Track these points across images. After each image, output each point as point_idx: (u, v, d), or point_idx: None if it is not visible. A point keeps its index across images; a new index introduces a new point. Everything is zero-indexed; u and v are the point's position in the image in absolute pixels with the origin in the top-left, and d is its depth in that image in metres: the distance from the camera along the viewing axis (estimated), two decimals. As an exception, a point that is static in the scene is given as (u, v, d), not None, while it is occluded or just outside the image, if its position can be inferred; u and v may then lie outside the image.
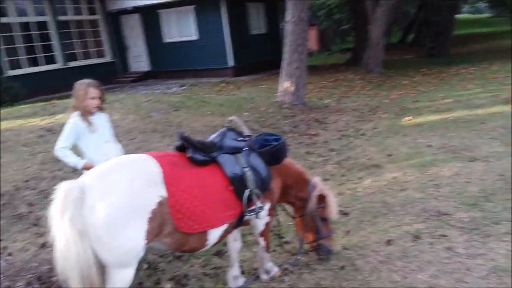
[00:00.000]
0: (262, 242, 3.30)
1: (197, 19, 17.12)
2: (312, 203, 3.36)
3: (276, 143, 3.09)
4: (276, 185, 3.18)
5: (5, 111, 8.81)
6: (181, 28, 17.67)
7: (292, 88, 10.09)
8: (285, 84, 10.17)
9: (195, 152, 2.76)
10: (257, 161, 2.97)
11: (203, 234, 2.71)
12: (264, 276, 3.45)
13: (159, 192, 2.47)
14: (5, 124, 7.53)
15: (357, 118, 8.93)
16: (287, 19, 10.01)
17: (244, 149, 2.97)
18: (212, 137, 3.04)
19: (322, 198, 3.39)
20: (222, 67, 17.16)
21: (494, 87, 10.12)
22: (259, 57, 18.32)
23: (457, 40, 23.34)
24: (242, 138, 3.04)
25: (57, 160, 5.93)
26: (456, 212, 4.12)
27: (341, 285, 3.23)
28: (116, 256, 2.38)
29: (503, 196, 4.32)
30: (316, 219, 3.41)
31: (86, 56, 17.84)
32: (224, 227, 2.82)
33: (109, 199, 2.32)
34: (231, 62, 17.11)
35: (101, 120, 3.58)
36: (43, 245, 3.87)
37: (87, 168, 3.28)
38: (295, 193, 3.41)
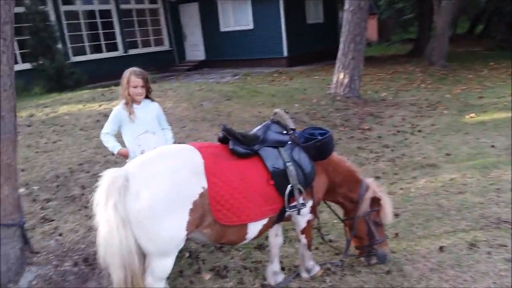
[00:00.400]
0: (303, 239, 3.18)
1: (254, 8, 17.05)
2: (365, 205, 3.15)
3: (321, 137, 2.94)
4: (321, 182, 3.03)
5: (67, 95, 9.30)
6: (238, 17, 17.71)
7: (347, 80, 9.76)
8: (340, 75, 9.86)
9: (237, 144, 2.71)
10: (301, 156, 2.86)
11: (242, 227, 2.68)
12: (304, 275, 3.33)
13: (201, 183, 2.47)
14: (66, 108, 7.94)
15: (415, 114, 8.47)
16: (346, 7, 9.67)
17: (287, 143, 2.88)
18: (256, 129, 2.97)
19: (376, 201, 3.17)
20: (277, 57, 17.02)
21: None
22: (315, 47, 17.98)
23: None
24: (286, 132, 2.94)
25: (111, 145, 6.19)
26: (521, 221, 3.77)
27: (385, 291, 3.05)
28: (157, 244, 2.43)
29: None
30: (369, 223, 3.19)
31: (146, 44, 18.42)
32: (263, 221, 2.77)
33: (152, 188, 2.35)
34: (285, 52, 16.92)
35: (147, 109, 3.56)
36: (91, 228, 4.01)
37: (121, 154, 3.53)
38: (344, 192, 3.21)
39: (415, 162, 5.62)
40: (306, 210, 2.96)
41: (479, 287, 2.97)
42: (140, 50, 18.01)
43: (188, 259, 3.67)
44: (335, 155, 3.17)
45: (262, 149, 2.78)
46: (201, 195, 2.46)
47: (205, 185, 2.48)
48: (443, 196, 4.49)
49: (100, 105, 8.02)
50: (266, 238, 3.90)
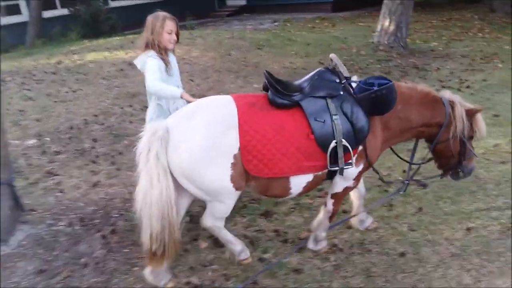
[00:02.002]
0: (330, 205, 2.85)
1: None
2: (460, 123, 2.69)
3: (377, 88, 2.49)
4: (377, 141, 2.64)
5: (98, 42, 9.15)
6: (280, -42, 16.57)
7: (393, 27, 8.87)
8: (385, 22, 8.97)
9: (276, 94, 2.48)
10: (353, 109, 2.51)
11: (285, 181, 2.53)
12: (310, 245, 3.03)
13: (238, 136, 2.38)
14: (93, 56, 7.80)
15: (466, 67, 7.58)
16: None
17: (339, 93, 2.54)
18: (305, 77, 2.64)
19: (469, 114, 2.73)
20: (321, 2, 15.92)
21: None
22: (363, -9, 16.62)
23: None
24: (339, 81, 2.58)
25: (130, 96, 5.99)
26: None
27: (394, 277, 2.68)
28: (206, 193, 2.46)
29: None
30: (464, 140, 2.75)
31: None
32: (307, 177, 2.55)
33: (189, 141, 2.34)
34: (330, -4, 15.78)
35: (174, 61, 3.23)
36: (95, 184, 3.89)
37: (186, 98, 2.94)
38: (427, 121, 2.74)
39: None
40: (351, 173, 2.63)
41: (507, 282, 2.53)
42: (179, -5, 17.46)
43: (189, 224, 3.46)
44: (403, 85, 2.75)
45: (305, 99, 2.49)
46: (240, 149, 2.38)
47: (239, 138, 2.38)
48: (482, 166, 3.93)
49: (126, 53, 7.81)
50: (275, 204, 3.63)
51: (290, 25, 13.61)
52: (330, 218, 2.91)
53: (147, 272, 2.67)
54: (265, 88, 2.57)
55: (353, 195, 3.11)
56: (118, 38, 9.73)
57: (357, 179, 2.72)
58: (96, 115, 5.28)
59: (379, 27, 9.10)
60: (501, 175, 3.73)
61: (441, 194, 3.56)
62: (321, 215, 2.97)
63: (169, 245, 2.45)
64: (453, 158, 2.83)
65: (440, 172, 3.03)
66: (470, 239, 2.94)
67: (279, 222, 3.40)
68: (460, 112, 2.68)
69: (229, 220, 3.43)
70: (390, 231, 3.14)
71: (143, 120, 5.21)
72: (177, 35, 3.13)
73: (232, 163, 2.37)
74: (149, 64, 3.00)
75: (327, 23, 13.17)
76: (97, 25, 12.19)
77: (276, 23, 14.47)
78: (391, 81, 2.54)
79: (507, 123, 4.82)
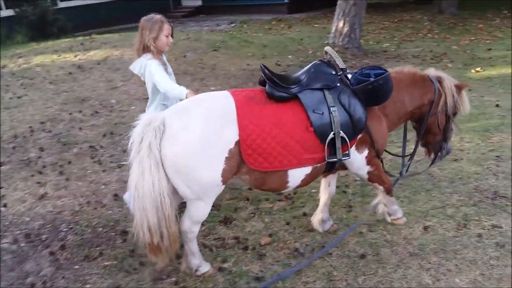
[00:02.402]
0: (379, 187, 2.95)
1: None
2: (450, 97, 2.80)
3: (375, 78, 2.53)
4: (382, 128, 2.70)
5: (46, 45, 8.69)
6: (236, -42, 16.51)
7: (346, 29, 9.03)
8: (339, 24, 9.12)
9: (273, 87, 2.48)
10: (350, 100, 2.54)
11: (283, 175, 2.52)
12: (387, 218, 3.16)
13: (236, 131, 2.36)
14: (39, 59, 7.39)
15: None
16: None
17: (336, 84, 2.56)
18: (302, 70, 2.65)
19: (459, 89, 2.86)
20: (277, 3, 16.01)
21: None
22: (318, -7, 16.86)
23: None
24: (335, 72, 2.60)
25: (79, 101, 5.71)
26: (520, 196, 3.32)
27: (355, 280, 2.65)
28: (194, 189, 2.40)
29: None
30: (450, 116, 2.86)
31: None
32: (305, 170, 2.55)
33: (186, 135, 2.31)
34: (286, -2, 15.88)
35: (166, 62, 3.28)
36: (42, 197, 3.64)
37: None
38: (419, 103, 2.83)
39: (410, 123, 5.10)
40: (356, 162, 2.70)
41: (464, 279, 2.56)
42: (133, -5, 16.98)
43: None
44: (391, 71, 2.77)
45: (302, 92, 2.51)
46: (237, 143, 2.37)
47: (238, 132, 2.36)
48: (436, 164, 4.01)
49: (76, 55, 7.45)
50: (234, 210, 3.54)
51: (247, 26, 13.58)
52: (389, 192, 2.99)
53: (183, 267, 2.75)
54: (262, 83, 2.57)
55: (323, 192, 3.12)
56: (67, 40, 9.29)
57: (371, 163, 2.75)
58: (42, 122, 4.97)
59: (333, 29, 9.24)
60: (454, 173, 3.82)
61: (398, 193, 3.59)
62: (381, 196, 3.06)
63: (169, 237, 2.42)
64: (439, 134, 2.93)
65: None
66: (428, 237, 2.97)
67: (239, 228, 3.31)
68: (449, 85, 2.79)
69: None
70: (351, 233, 3.13)
71: (94, 126, 5.01)
72: (172, 37, 3.18)
73: (226, 157, 2.36)
74: (153, 66, 3.03)
75: (283, 25, 13.24)
76: (45, 26, 11.59)
77: (233, 24, 14.39)
78: (387, 71, 2.59)
79: (457, 121, 4.97)
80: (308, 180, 2.64)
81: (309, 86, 2.52)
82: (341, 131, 2.48)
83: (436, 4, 13.67)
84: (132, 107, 5.66)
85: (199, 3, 18.01)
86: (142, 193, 2.31)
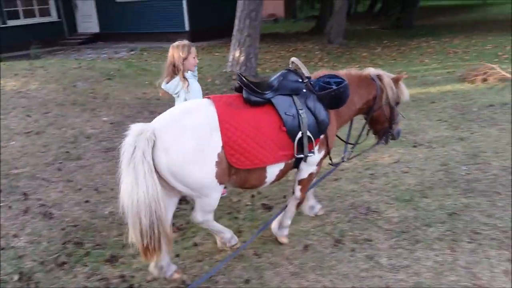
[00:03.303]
0: (297, 192, 3.19)
1: (152, -22, 15.85)
2: (390, 91, 3.20)
3: (336, 86, 2.91)
4: (334, 130, 3.10)
5: None
6: (134, -13, 16.36)
7: (243, 58, 9.36)
8: (236, 53, 9.44)
9: (250, 93, 2.78)
10: (315, 104, 2.89)
11: (262, 171, 2.82)
12: (274, 228, 3.36)
13: (219, 135, 2.60)
14: None
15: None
16: (239, -19, 9.15)
17: (302, 90, 2.90)
18: (272, 78, 2.96)
19: (396, 81, 3.26)
20: (178, 31, 16.06)
21: (452, 63, 9.73)
22: (220, 21, 17.25)
23: (425, 12, 23.00)
24: (301, 80, 2.93)
25: None
26: (387, 209, 3.65)
27: (239, 305, 2.69)
28: (193, 190, 2.65)
29: (442, 191, 3.88)
30: (393, 106, 3.27)
31: (29, 14, 16.28)
32: (279, 166, 2.87)
33: (178, 144, 2.52)
34: (187, 26, 16.07)
35: (192, 78, 3.84)
36: None
37: None
38: (366, 99, 3.23)
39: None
40: (313, 159, 2.99)
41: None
42: (23, 21, 15.88)
43: (17, 282, 3.01)
44: (341, 73, 3.16)
45: (275, 97, 2.82)
46: (223, 147, 2.61)
47: (221, 136, 2.61)
48: (319, 185, 4.28)
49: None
50: (122, 247, 3.40)
51: (147, 54, 13.45)
52: (298, 205, 3.25)
53: (151, 266, 2.89)
54: (237, 89, 2.86)
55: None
56: None
57: (319, 165, 3.11)
58: None
59: (230, 58, 9.53)
60: (334, 192, 4.10)
61: (284, 215, 3.75)
62: (289, 203, 3.29)
63: (160, 239, 2.56)
64: (386, 123, 3.35)
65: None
66: (307, 256, 3.13)
67: (125, 266, 3.18)
68: (388, 81, 3.20)
69: (69, 273, 3.10)
70: (237, 258, 3.17)
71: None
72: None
73: (216, 162, 2.60)
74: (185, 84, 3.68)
75: (184, 53, 13.31)
76: None
77: (132, 52, 14.15)
78: (345, 80, 2.97)
79: (339, 143, 5.37)
80: (281, 175, 2.95)
81: (279, 91, 2.84)
82: (308, 131, 2.81)
83: (326, 34, 14.84)
84: (12, 142, 5.22)
85: (97, 30, 17.44)
86: (137, 198, 2.43)
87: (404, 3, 17.99)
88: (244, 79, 2.82)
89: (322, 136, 2.94)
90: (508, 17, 19.63)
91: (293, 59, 3.14)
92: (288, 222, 3.30)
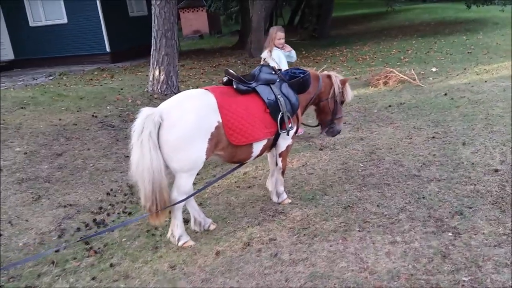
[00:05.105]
0: (280, 163, 3.93)
1: (66, 1, 15.41)
2: (337, 88, 3.96)
3: (302, 75, 3.74)
4: (299, 112, 3.83)
5: None
6: (49, 10, 15.78)
7: (163, 77, 9.47)
8: (155, 72, 9.52)
9: (239, 83, 3.48)
10: (288, 90, 3.67)
11: (249, 147, 3.47)
12: (274, 198, 4.12)
13: (216, 118, 3.23)
14: None
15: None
16: (153, 1, 9.28)
17: (276, 80, 3.67)
18: (253, 71, 3.67)
19: (342, 83, 4.02)
20: (99, 53, 15.77)
21: (360, 69, 10.53)
22: (141, 41, 17.13)
23: (339, 22, 24.45)
24: (274, 72, 3.72)
25: None
26: (292, 209, 3.97)
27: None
28: (184, 164, 3.21)
29: (340, 188, 4.29)
30: (337, 102, 4.02)
31: None
32: (264, 142, 3.57)
33: (181, 123, 3.10)
34: (108, 48, 15.79)
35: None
36: None
37: None
38: (316, 90, 3.94)
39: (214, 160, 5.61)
40: (291, 133, 3.75)
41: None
42: None
43: None
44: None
45: (258, 86, 3.55)
46: (217, 127, 3.23)
47: (219, 118, 3.24)
48: (234, 193, 4.54)
49: None
50: (38, 276, 3.39)
51: (66, 78, 13.04)
52: (282, 173, 4.02)
53: (169, 234, 3.59)
54: (226, 83, 3.58)
55: (271, 164, 4.14)
56: None
57: (292, 138, 3.85)
58: None
59: (150, 77, 9.60)
60: (247, 198, 4.36)
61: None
62: (275, 174, 4.03)
63: (161, 203, 3.16)
64: (329, 115, 4.07)
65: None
66: (218, 261, 3.32)
67: (40, 295, 3.19)
68: (335, 80, 3.99)
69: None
70: (152, 273, 3.30)
71: None
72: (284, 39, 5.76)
73: (209, 139, 3.20)
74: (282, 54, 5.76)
75: (106, 74, 13.12)
76: None
77: (51, 77, 13.64)
78: (307, 71, 3.82)
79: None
80: (263, 150, 3.64)
81: (260, 82, 3.57)
82: (286, 111, 3.55)
83: (247, 49, 15.34)
84: None
85: (11, 56, 16.60)
86: (142, 168, 3.03)
87: (318, 15, 19.05)
88: (233, 73, 3.52)
89: (294, 116, 3.68)
90: (413, 22, 21.53)
91: (263, 55, 4.34)
92: (281, 188, 4.09)
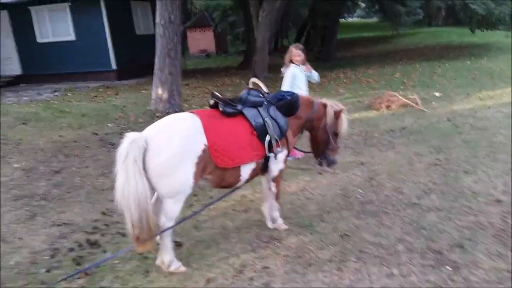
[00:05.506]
0: (273, 188, 3.85)
1: (73, 18, 15.72)
2: (329, 117, 3.84)
3: (290, 97, 3.69)
4: (291, 134, 3.74)
5: None
6: (56, 27, 16.11)
7: (166, 95, 9.51)
8: (158, 91, 9.57)
9: (225, 106, 3.45)
10: (276, 113, 3.61)
11: (237, 170, 3.41)
12: (269, 224, 4.04)
13: (202, 141, 3.18)
14: None
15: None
16: (157, 21, 9.40)
17: (264, 103, 3.62)
18: (240, 94, 3.64)
19: (336, 114, 3.85)
20: (104, 70, 15.96)
21: (363, 92, 10.52)
22: (147, 59, 17.20)
23: (345, 44, 24.65)
24: (262, 95, 3.69)
25: None
26: (288, 236, 3.88)
27: None
28: (171, 190, 3.15)
29: (337, 214, 4.20)
30: (328, 132, 3.88)
31: None
32: (252, 165, 3.50)
33: (167, 148, 3.04)
34: (114, 65, 15.98)
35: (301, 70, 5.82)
36: None
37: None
38: (308, 117, 3.86)
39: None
40: (281, 157, 3.68)
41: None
42: None
43: None
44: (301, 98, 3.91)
45: (245, 109, 3.50)
46: (203, 150, 3.18)
47: (205, 141, 3.19)
48: (230, 217, 4.45)
49: None
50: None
51: (71, 94, 13.16)
52: (277, 198, 3.96)
53: (158, 261, 3.49)
54: (213, 106, 3.53)
55: (265, 192, 4.02)
56: None
57: (284, 161, 3.78)
58: None
59: (153, 95, 9.64)
60: (242, 223, 4.27)
61: (192, 251, 3.84)
62: (269, 199, 3.96)
63: (148, 230, 3.08)
64: (322, 144, 3.94)
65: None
66: (208, 289, 3.24)
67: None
68: (329, 111, 3.85)
69: None
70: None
71: None
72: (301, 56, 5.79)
73: (196, 162, 3.14)
74: (297, 71, 5.82)
75: (110, 92, 13.23)
76: None
77: (56, 93, 13.77)
78: (296, 93, 3.80)
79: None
80: (253, 174, 3.57)
81: (247, 105, 3.53)
82: (274, 134, 3.50)
83: (252, 69, 15.44)
84: None
85: (19, 72, 16.81)
86: (128, 194, 2.95)
87: (323, 36, 19.22)
88: (220, 96, 3.52)
89: (283, 138, 3.62)
90: (418, 46, 21.66)
91: (252, 79, 4.08)
92: (277, 213, 4.04)
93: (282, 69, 5.92)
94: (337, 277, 3.20)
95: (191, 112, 3.40)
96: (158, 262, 3.54)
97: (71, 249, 4.10)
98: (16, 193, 5.24)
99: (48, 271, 3.75)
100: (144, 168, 3.03)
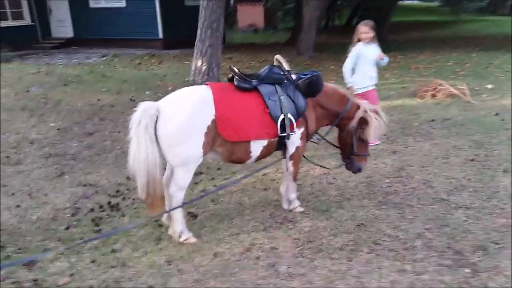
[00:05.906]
0: (290, 167, 3.74)
1: (125, -16, 15.94)
2: (354, 122, 3.62)
3: (309, 76, 3.50)
4: (311, 114, 3.58)
5: None
6: (108, -7, 16.43)
7: (205, 67, 9.46)
8: (198, 63, 9.52)
9: (240, 81, 3.40)
10: (294, 92, 3.48)
11: (246, 146, 3.38)
12: (285, 205, 3.97)
13: (212, 112, 3.19)
14: None
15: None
16: (201, -8, 9.28)
17: (284, 81, 3.50)
18: (260, 71, 3.50)
19: (363, 121, 3.62)
20: (152, 38, 16.18)
21: (409, 78, 10.01)
22: (194, 30, 17.35)
23: (399, 28, 23.51)
24: (283, 72, 3.53)
25: None
26: (302, 219, 3.77)
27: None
28: (180, 159, 3.21)
29: (357, 203, 4.03)
30: (354, 137, 3.68)
31: (1, 17, 16.15)
32: (262, 143, 3.43)
33: (177, 118, 3.10)
34: (161, 34, 16.17)
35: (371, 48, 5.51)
36: None
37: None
38: (334, 110, 3.68)
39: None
40: (295, 137, 3.54)
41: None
42: (-6, 24, 15.76)
43: None
44: (329, 86, 3.72)
45: (261, 85, 3.41)
46: (213, 121, 3.19)
47: (215, 113, 3.18)
48: (248, 193, 4.40)
49: None
50: (43, 251, 3.44)
51: (118, 60, 13.47)
52: (294, 178, 3.82)
53: (170, 230, 3.56)
54: (230, 79, 3.48)
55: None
56: None
57: (302, 139, 3.61)
58: None
59: (193, 67, 9.63)
60: (259, 201, 4.21)
61: (205, 223, 3.85)
62: (286, 179, 3.84)
63: (155, 196, 3.17)
64: (346, 147, 3.78)
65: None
66: (214, 263, 3.21)
67: (41, 270, 3.23)
68: (358, 114, 3.61)
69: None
70: (148, 265, 3.25)
71: None
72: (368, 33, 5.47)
73: (205, 132, 3.17)
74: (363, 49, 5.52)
75: (154, 60, 13.41)
76: None
77: (104, 58, 14.16)
78: (317, 73, 3.55)
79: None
80: (264, 151, 3.48)
81: (264, 81, 3.43)
82: (289, 114, 3.38)
83: (296, 47, 15.09)
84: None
85: (71, 34, 17.40)
86: (138, 161, 3.04)
87: (375, 18, 18.37)
88: (236, 70, 3.42)
89: (301, 118, 3.48)
90: (478, 34, 20.28)
91: (277, 56, 3.78)
92: (293, 195, 3.90)
93: (349, 48, 5.59)
94: (345, 266, 3.07)
95: (206, 84, 3.41)
96: (170, 231, 3.58)
97: (92, 210, 4.23)
98: (49, 151, 5.45)
99: (67, 228, 3.89)
100: (156, 137, 3.10)
